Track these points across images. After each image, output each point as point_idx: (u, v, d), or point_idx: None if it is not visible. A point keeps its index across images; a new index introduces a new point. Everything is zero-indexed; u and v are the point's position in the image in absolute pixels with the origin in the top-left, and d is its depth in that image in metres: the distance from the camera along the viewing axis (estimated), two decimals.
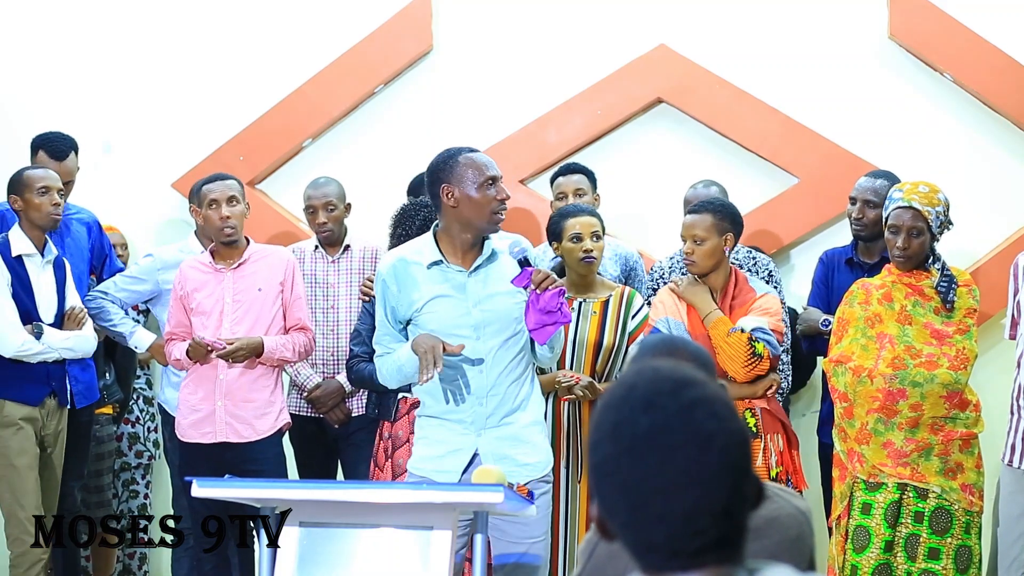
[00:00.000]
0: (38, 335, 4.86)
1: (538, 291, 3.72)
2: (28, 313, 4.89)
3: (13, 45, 6.24)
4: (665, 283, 5.05)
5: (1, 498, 4.90)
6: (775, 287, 5.04)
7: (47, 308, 4.94)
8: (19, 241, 4.92)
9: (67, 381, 5.00)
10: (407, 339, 3.84)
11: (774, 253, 5.59)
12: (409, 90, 6.05)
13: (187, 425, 4.92)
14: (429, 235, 3.88)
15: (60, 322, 4.97)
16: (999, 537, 4.43)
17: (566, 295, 3.79)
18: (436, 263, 3.82)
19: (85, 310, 5.06)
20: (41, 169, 5.01)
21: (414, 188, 5.42)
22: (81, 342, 4.99)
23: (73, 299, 5.04)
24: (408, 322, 3.86)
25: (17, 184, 4.94)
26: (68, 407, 5.02)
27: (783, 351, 4.89)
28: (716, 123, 5.81)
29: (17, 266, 4.90)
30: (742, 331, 4.41)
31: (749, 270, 5.03)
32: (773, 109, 5.76)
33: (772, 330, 4.45)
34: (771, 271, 5.09)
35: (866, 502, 4.33)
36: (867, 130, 5.73)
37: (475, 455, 3.82)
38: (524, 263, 3.76)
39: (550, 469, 3.94)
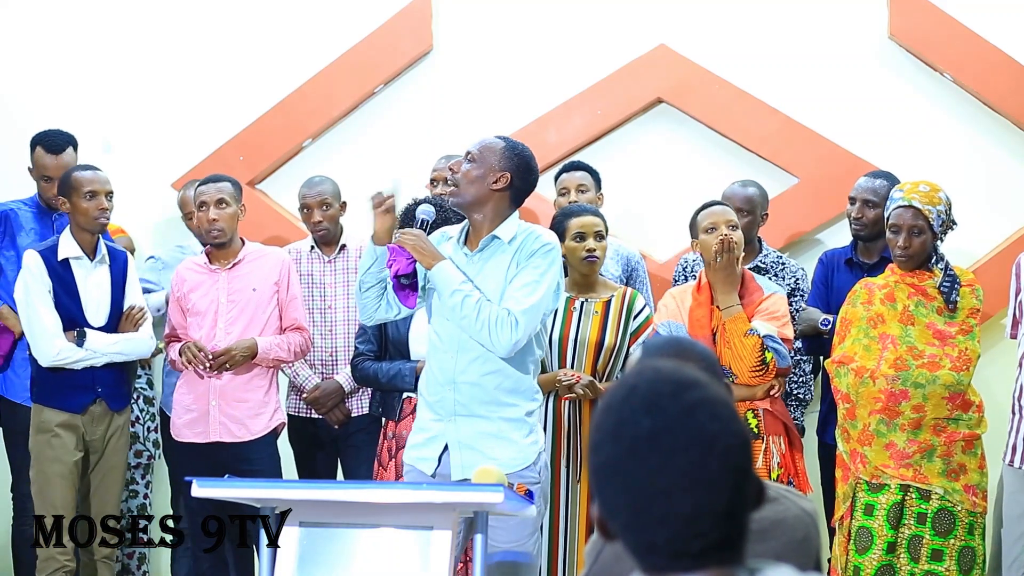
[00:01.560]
0: (80, 341, 4.79)
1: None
2: (73, 319, 4.81)
3: (14, 45, 6.23)
4: (686, 279, 5.04)
5: (34, 500, 4.89)
6: (802, 295, 5.02)
7: (96, 311, 4.85)
8: (67, 244, 4.84)
9: (122, 386, 4.94)
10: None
11: None
12: (409, 90, 6.05)
13: (181, 425, 4.94)
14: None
15: (116, 324, 4.89)
16: (1001, 537, 4.43)
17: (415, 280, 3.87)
18: (459, 239, 3.91)
19: (144, 310, 4.96)
20: (89, 171, 4.89)
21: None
22: (132, 344, 4.89)
23: (134, 299, 4.94)
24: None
25: (65, 186, 4.85)
26: (121, 411, 4.95)
27: (804, 360, 4.87)
28: (716, 123, 5.81)
29: (63, 270, 4.82)
30: (757, 335, 4.39)
31: (776, 275, 5.03)
32: (773, 109, 5.75)
33: (782, 339, 4.43)
34: (798, 279, 5.07)
35: (869, 503, 4.33)
36: (867, 130, 5.73)
37: (447, 445, 3.85)
38: (422, 226, 3.90)
39: (526, 468, 3.83)
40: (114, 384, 4.91)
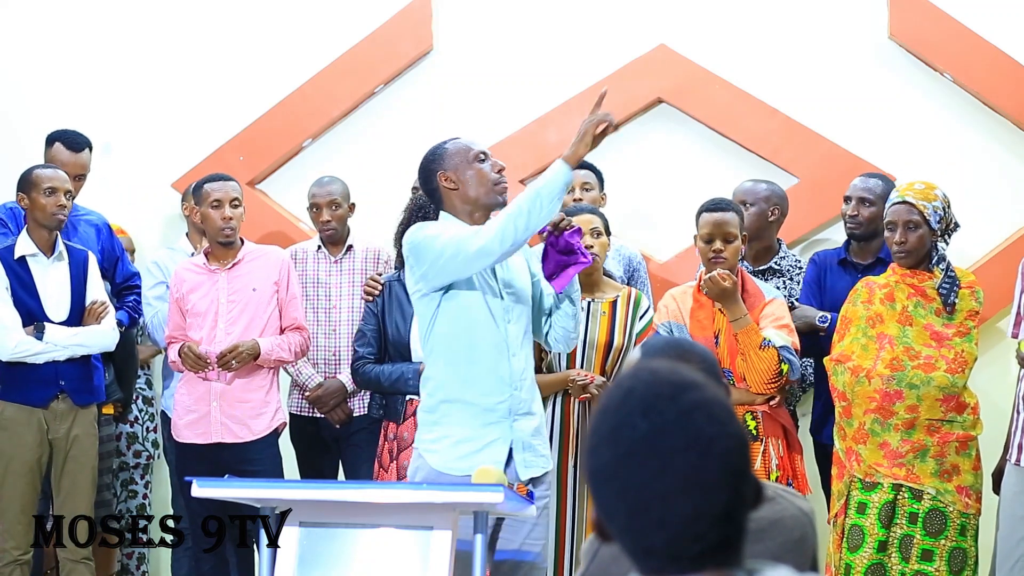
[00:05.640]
0: (39, 334, 4.80)
1: (556, 233, 3.70)
2: (31, 314, 4.83)
3: (13, 45, 6.24)
4: None
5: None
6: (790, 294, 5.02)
7: (56, 307, 4.87)
8: (24, 243, 4.87)
9: (91, 380, 4.93)
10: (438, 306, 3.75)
11: None
12: (409, 90, 6.05)
13: (183, 426, 4.93)
14: (447, 216, 3.79)
15: (80, 319, 4.90)
16: (1001, 538, 4.42)
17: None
18: None
19: (106, 304, 4.96)
20: (50, 169, 4.93)
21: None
22: (93, 336, 4.89)
23: (96, 294, 4.95)
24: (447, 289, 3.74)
25: (25, 182, 4.89)
26: (87, 406, 4.93)
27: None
28: (716, 123, 5.81)
29: (20, 268, 4.85)
30: (773, 346, 4.38)
31: (791, 278, 5.03)
32: (773, 109, 5.75)
33: (793, 347, 4.43)
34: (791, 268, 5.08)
35: (862, 501, 4.34)
36: (867, 130, 5.73)
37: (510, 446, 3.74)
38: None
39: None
40: (79, 378, 4.89)
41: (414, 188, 5.39)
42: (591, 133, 3.57)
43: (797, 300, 5.03)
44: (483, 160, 3.77)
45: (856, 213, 5.02)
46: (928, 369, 4.31)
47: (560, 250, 3.71)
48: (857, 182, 5.08)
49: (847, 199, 5.08)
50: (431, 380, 3.79)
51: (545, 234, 3.73)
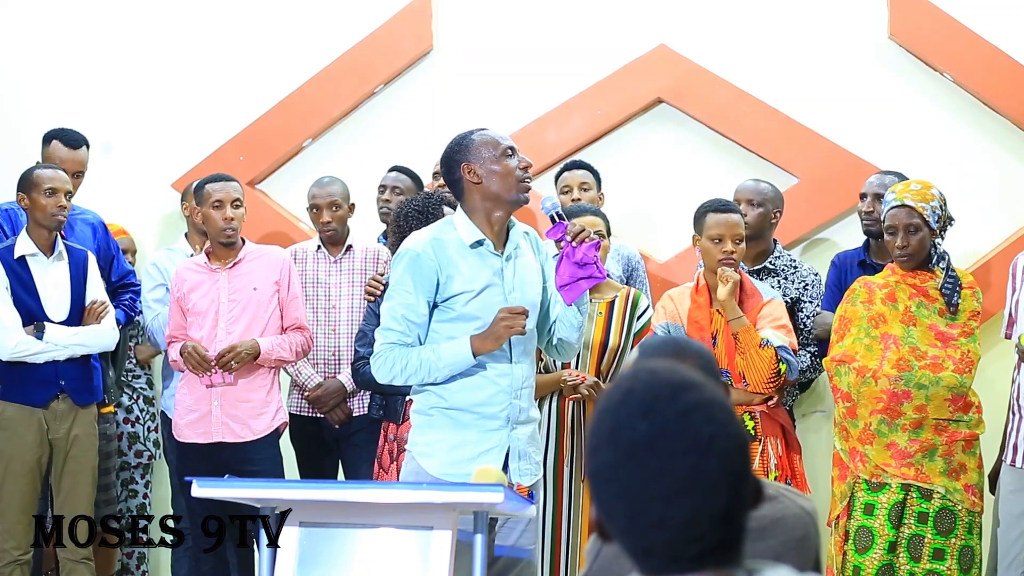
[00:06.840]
0: (39, 334, 4.81)
1: (574, 244, 3.62)
2: (31, 314, 4.84)
3: (13, 45, 6.24)
4: None
5: None
6: (810, 301, 4.99)
7: (56, 306, 4.88)
8: (24, 242, 4.89)
9: (91, 379, 4.93)
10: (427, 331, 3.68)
11: None
12: (409, 90, 6.05)
13: (184, 425, 4.93)
14: (460, 215, 3.70)
15: (79, 319, 4.91)
16: (999, 536, 4.43)
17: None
18: (479, 243, 3.65)
19: (106, 304, 4.97)
20: (51, 169, 4.94)
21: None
22: (93, 336, 4.90)
23: (95, 294, 4.96)
24: (434, 307, 3.66)
25: (26, 182, 4.90)
26: (87, 406, 4.94)
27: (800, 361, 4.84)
28: (716, 123, 5.81)
29: (20, 267, 4.86)
30: (772, 346, 4.38)
31: (786, 278, 5.02)
32: (773, 109, 5.76)
33: (790, 348, 4.43)
34: (808, 284, 4.99)
35: (869, 502, 4.33)
36: (867, 130, 5.74)
37: (507, 453, 3.69)
38: (558, 217, 3.67)
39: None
40: (79, 378, 4.91)
41: (389, 186, 5.42)
42: (504, 337, 3.59)
43: (820, 306, 5.01)
44: (511, 155, 3.67)
45: (872, 210, 5.02)
46: (936, 369, 4.32)
47: (576, 261, 3.63)
48: (873, 179, 5.10)
49: (863, 196, 5.08)
50: (428, 384, 3.72)
51: (563, 243, 3.67)
